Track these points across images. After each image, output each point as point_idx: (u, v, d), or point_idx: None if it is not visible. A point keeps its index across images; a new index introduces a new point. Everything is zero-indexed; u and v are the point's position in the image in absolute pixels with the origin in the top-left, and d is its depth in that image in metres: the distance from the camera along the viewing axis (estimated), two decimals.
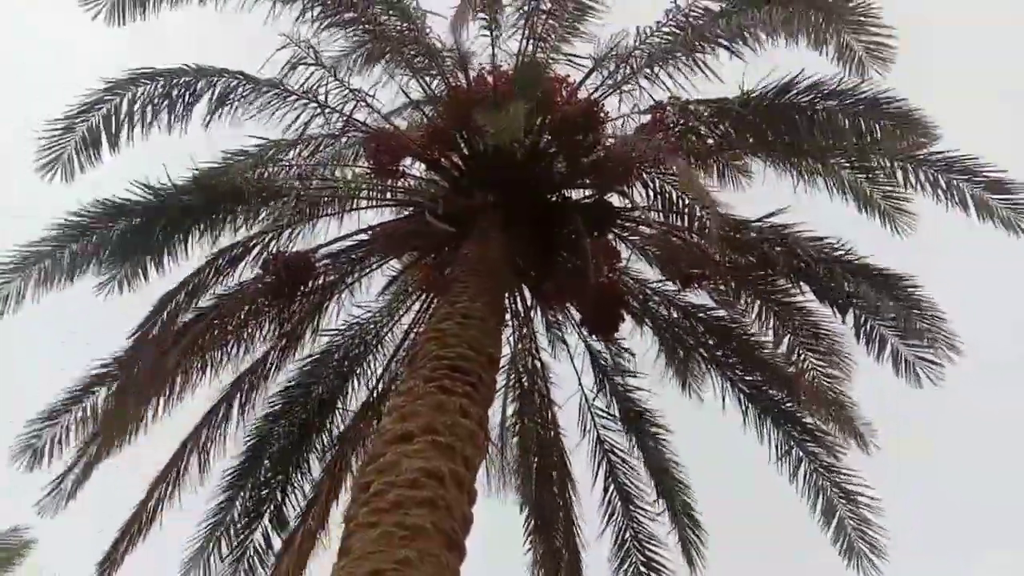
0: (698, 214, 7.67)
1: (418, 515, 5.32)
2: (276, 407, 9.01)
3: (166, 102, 7.99)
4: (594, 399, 9.36)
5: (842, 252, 8.20)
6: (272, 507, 8.79)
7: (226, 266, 8.29)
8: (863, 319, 8.45)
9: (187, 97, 8.05)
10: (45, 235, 7.98)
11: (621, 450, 9.34)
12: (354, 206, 8.65)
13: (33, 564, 11.89)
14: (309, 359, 9.04)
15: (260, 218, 8.49)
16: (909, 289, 8.17)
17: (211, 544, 8.75)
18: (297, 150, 8.52)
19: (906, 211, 8.56)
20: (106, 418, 7.95)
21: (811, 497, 8.94)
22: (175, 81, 7.98)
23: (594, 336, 9.03)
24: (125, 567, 8.22)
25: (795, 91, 7.76)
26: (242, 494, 8.78)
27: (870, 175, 8.25)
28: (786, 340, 8.80)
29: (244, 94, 8.20)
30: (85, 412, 8.31)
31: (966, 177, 7.70)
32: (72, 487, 8.16)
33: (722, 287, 8.88)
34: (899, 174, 7.95)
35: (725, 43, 7.90)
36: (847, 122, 7.67)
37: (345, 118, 8.51)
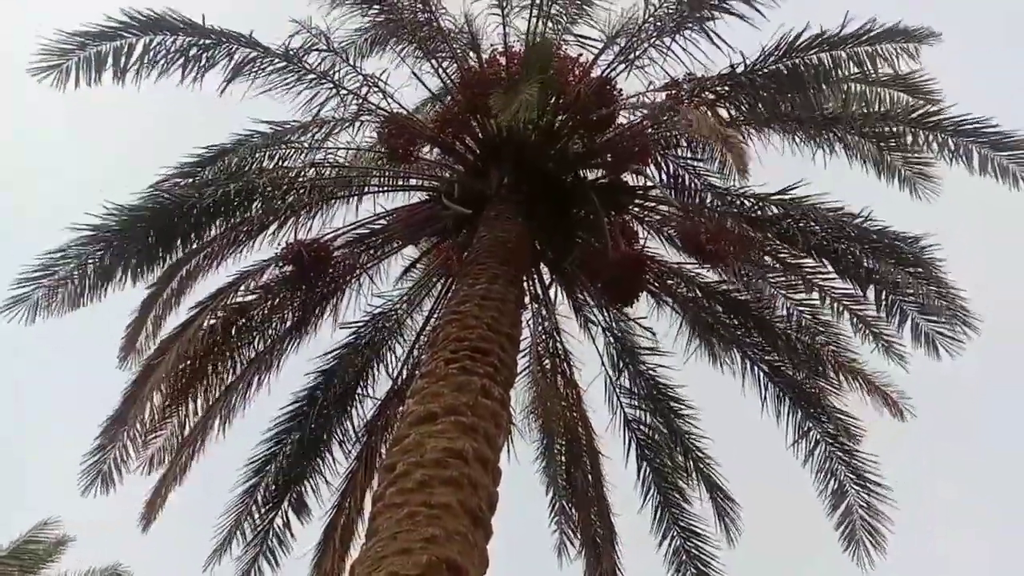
0: (718, 154, 7.50)
1: (443, 494, 5.35)
2: (300, 401, 9.04)
3: (181, 59, 7.90)
4: (617, 379, 9.32)
5: (862, 221, 8.07)
6: (293, 493, 8.88)
7: (244, 237, 8.33)
8: (884, 293, 8.35)
9: (203, 60, 7.96)
10: (66, 246, 7.98)
11: (648, 427, 9.31)
12: (369, 191, 8.64)
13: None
14: (331, 353, 9.05)
15: (277, 209, 8.56)
16: (928, 265, 8.02)
17: (236, 530, 8.85)
18: (311, 133, 8.50)
19: (928, 176, 8.40)
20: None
21: (823, 478, 8.86)
22: (193, 41, 7.88)
23: (614, 305, 8.93)
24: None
25: (799, 48, 7.67)
26: (266, 480, 8.85)
27: (885, 141, 8.13)
28: (807, 316, 8.73)
29: (261, 67, 8.14)
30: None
31: (973, 138, 7.61)
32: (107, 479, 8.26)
33: (741, 263, 8.79)
34: (910, 138, 7.84)
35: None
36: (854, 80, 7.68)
37: (359, 101, 8.47)
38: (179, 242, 8.14)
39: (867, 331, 8.73)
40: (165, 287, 8.58)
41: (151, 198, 8.16)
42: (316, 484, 8.91)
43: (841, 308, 8.69)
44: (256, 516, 8.83)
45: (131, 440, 7.99)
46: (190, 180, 8.46)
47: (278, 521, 8.87)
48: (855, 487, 8.73)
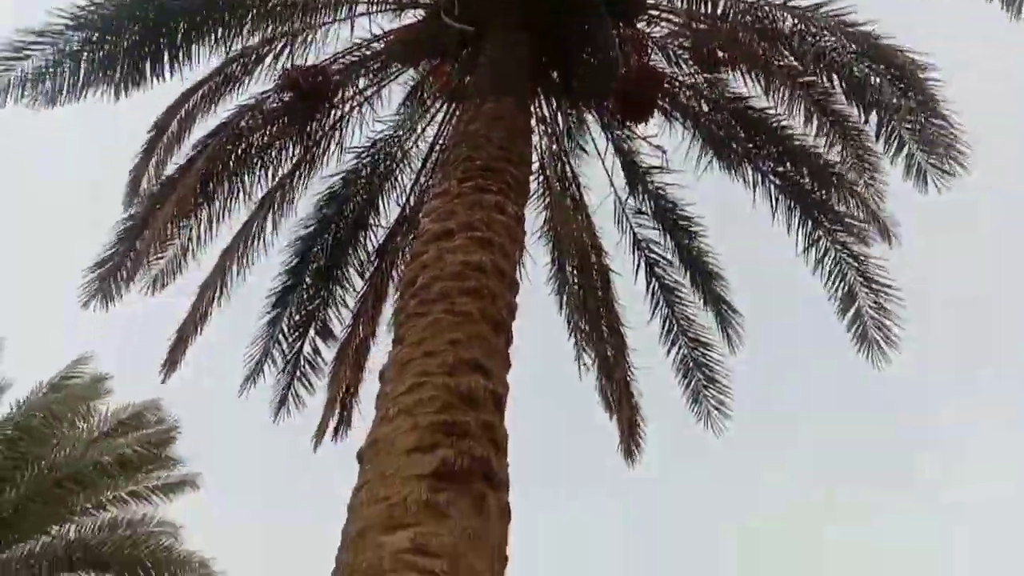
0: None
1: (464, 303, 5.52)
2: (310, 227, 9.13)
3: None
4: (626, 199, 9.32)
5: (875, 39, 7.66)
6: (317, 320, 9.17)
7: (240, 73, 8.05)
8: (886, 120, 8.00)
9: None
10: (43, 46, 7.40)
11: (658, 244, 9.43)
12: (366, 11, 8.22)
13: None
14: (336, 175, 9.01)
15: (271, 38, 8.20)
16: (932, 93, 7.66)
17: (266, 357, 9.25)
18: None
19: None
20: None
21: (833, 283, 8.87)
22: None
23: (628, 121, 8.74)
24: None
25: None
26: (289, 310, 9.12)
27: None
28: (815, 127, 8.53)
29: None
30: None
31: None
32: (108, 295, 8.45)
33: (752, 74, 8.49)
34: None
35: None
36: None
37: None
38: (166, 56, 7.73)
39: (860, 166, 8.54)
40: (164, 131, 8.42)
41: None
42: (339, 311, 9.21)
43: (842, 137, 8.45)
44: (284, 344, 9.19)
45: (136, 257, 8.13)
46: None
47: (307, 348, 9.24)
48: (864, 289, 8.81)
